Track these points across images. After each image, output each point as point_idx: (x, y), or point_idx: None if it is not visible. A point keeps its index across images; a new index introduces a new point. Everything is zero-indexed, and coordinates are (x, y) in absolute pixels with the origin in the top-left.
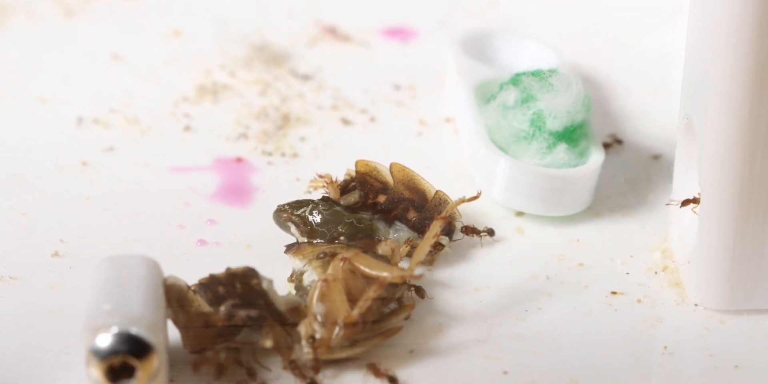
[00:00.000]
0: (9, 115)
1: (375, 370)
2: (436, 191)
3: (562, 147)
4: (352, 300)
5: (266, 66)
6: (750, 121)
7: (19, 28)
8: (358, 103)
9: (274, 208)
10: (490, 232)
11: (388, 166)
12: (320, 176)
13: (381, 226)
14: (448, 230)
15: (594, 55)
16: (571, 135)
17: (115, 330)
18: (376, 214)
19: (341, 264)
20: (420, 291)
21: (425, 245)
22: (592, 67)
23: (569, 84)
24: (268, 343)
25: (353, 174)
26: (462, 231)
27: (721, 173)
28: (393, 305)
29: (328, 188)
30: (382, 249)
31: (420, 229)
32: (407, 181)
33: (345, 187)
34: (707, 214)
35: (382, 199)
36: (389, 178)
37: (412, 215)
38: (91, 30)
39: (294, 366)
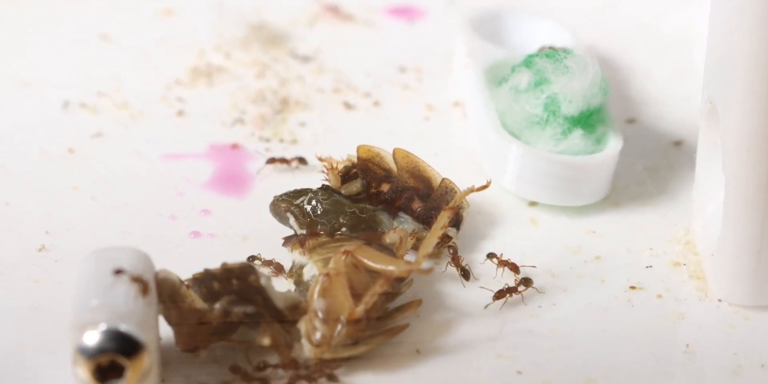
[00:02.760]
0: None
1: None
2: (443, 179)
3: (577, 133)
4: (355, 295)
5: (264, 47)
6: None
7: (0, 6)
8: (361, 86)
9: (272, 197)
10: (527, 282)
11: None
12: (320, 159)
13: (384, 217)
14: (456, 221)
15: (612, 35)
16: (588, 120)
17: (103, 327)
18: (378, 204)
19: (344, 257)
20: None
21: (432, 237)
22: (609, 48)
23: (585, 66)
24: (266, 341)
25: (354, 160)
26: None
27: (746, 160)
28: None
29: (327, 175)
30: (390, 237)
31: (425, 220)
32: (411, 168)
33: (346, 175)
34: (732, 204)
35: (385, 187)
36: (393, 165)
37: (416, 205)
38: (78, 9)
39: (294, 366)
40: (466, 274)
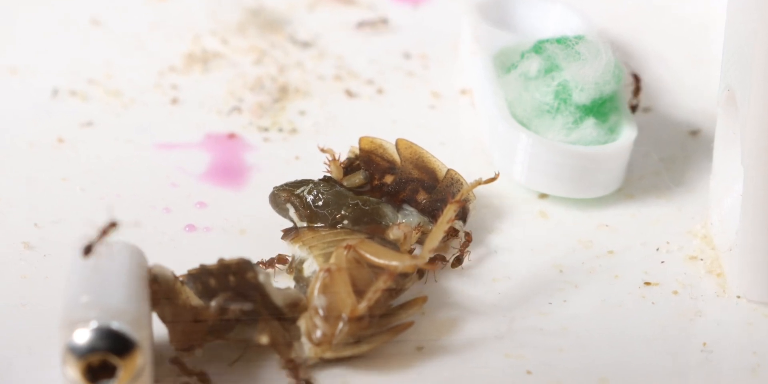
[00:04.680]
0: None
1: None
2: (448, 170)
3: (589, 122)
4: (357, 292)
5: (262, 32)
6: None
7: None
8: (363, 73)
9: (270, 189)
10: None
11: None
12: (322, 150)
13: (389, 210)
14: (463, 214)
15: (625, 19)
16: (600, 108)
17: (94, 325)
18: (382, 196)
19: (346, 252)
20: (458, 260)
21: (438, 231)
22: (622, 33)
23: (598, 52)
24: (264, 339)
25: (357, 152)
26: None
27: (766, 150)
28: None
29: (329, 166)
30: (394, 233)
31: (431, 212)
32: (416, 159)
33: (349, 167)
34: (751, 196)
35: (389, 179)
36: (396, 157)
37: (421, 197)
38: None
39: (292, 365)
40: (458, 261)
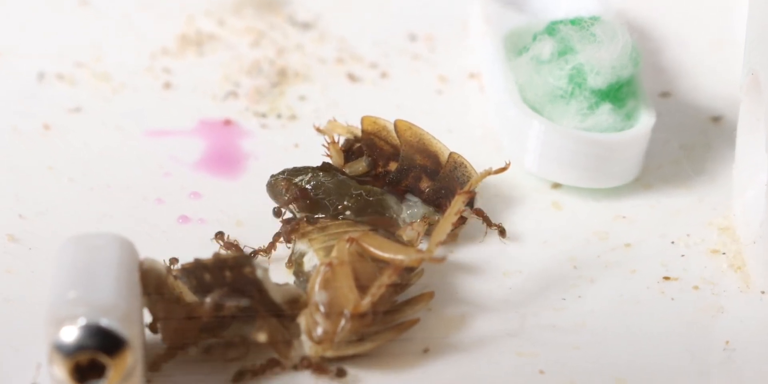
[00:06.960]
0: None
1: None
2: (450, 153)
3: (605, 107)
4: (360, 287)
5: (259, 12)
6: None
7: None
8: (367, 56)
9: (268, 178)
10: (502, 232)
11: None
12: (318, 130)
13: (393, 201)
14: (470, 203)
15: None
16: (617, 93)
17: (82, 322)
18: (384, 185)
19: (348, 245)
20: (503, 232)
21: (446, 224)
22: (640, 14)
23: (614, 34)
24: (262, 337)
25: (357, 132)
26: (474, 213)
27: None
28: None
29: (329, 150)
30: (407, 234)
31: (435, 201)
32: (416, 142)
33: (349, 150)
34: None
35: (393, 166)
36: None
37: (425, 185)
38: None
39: (308, 363)
40: (502, 231)
